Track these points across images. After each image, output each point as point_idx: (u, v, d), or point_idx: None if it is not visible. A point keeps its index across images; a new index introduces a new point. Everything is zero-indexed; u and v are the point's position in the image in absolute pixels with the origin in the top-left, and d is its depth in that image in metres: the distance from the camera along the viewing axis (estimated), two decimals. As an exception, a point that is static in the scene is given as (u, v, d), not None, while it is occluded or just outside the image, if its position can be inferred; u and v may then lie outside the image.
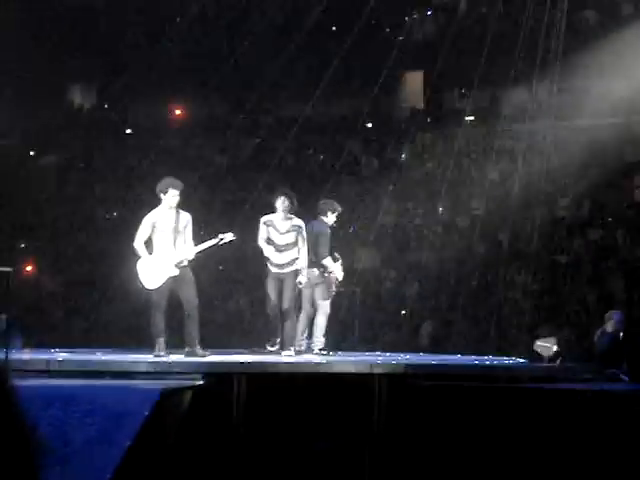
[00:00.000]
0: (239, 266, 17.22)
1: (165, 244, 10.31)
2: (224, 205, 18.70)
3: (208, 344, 10.81)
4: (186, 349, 10.34)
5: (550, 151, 17.90)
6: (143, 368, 9.18)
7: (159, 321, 10.27)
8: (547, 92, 17.89)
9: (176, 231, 10.36)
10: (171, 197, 10.38)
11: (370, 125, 20.90)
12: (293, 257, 11.26)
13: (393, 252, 18.50)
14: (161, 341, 10.26)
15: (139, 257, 10.25)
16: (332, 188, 18.28)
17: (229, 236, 10.78)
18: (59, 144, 19.27)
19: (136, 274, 10.26)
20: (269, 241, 11.25)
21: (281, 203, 11.31)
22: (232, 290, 17.67)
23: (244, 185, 18.45)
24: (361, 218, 18.74)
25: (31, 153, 19.70)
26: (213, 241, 10.67)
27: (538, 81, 18.00)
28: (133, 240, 10.20)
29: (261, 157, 19.76)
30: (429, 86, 20.64)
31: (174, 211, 10.40)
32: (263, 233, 11.30)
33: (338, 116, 20.85)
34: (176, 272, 10.26)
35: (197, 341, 10.32)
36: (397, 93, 21.68)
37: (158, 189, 10.49)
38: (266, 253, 11.25)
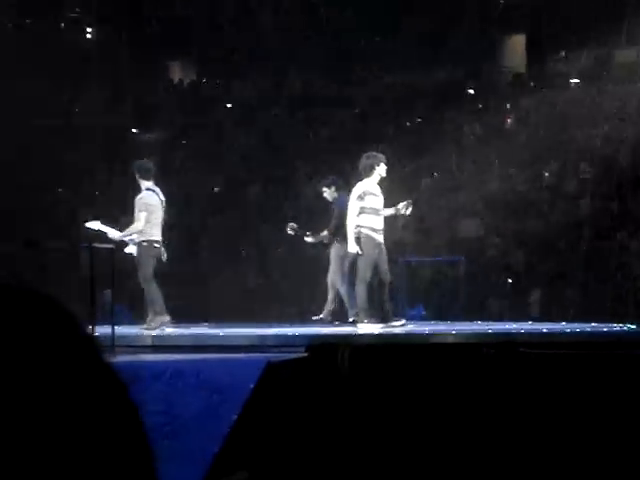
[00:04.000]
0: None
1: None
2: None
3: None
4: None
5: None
6: (248, 341, 9.21)
7: None
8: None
9: None
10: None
11: (472, 91, 20.60)
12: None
13: (497, 220, 18.23)
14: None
15: None
16: (434, 156, 18.10)
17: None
18: (161, 120, 19.46)
19: None
20: (371, 210, 11.09)
21: (384, 169, 11.18)
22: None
23: (347, 156, 18.36)
24: (463, 186, 18.52)
25: (134, 130, 19.94)
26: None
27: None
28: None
29: (361, 127, 19.64)
30: (532, 49, 20.25)
31: None
32: (369, 201, 11.10)
33: (439, 83, 20.58)
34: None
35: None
36: (499, 57, 21.32)
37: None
38: (369, 222, 11.07)
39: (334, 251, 12.15)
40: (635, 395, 8.30)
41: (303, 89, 21.12)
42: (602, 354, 9.02)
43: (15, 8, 16.92)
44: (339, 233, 11.88)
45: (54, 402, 0.81)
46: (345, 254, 11.75)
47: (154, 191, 11.18)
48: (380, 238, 11.08)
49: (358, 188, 11.11)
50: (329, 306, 12.16)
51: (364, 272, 10.95)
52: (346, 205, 11.64)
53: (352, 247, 10.98)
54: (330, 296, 12.19)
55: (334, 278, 12.13)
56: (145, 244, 10.87)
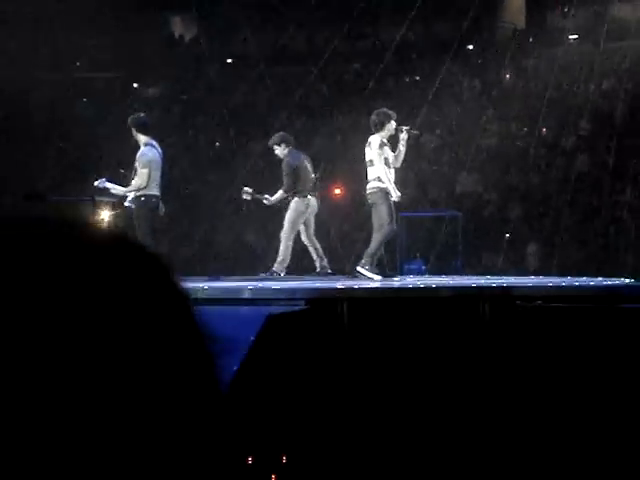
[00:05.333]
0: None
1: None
2: (329, 131, 18.74)
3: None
4: None
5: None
6: (249, 294, 9.36)
7: None
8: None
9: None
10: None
11: (471, 47, 20.62)
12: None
13: (496, 175, 18.35)
14: None
15: None
16: (433, 111, 18.14)
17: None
18: (161, 75, 19.49)
19: None
20: (387, 162, 11.25)
21: (393, 126, 11.31)
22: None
23: (347, 110, 18.43)
24: (462, 140, 18.61)
25: (135, 85, 19.96)
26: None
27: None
28: None
29: (361, 82, 19.67)
30: (531, 5, 20.25)
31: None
32: (387, 151, 11.29)
33: (438, 38, 20.60)
34: None
35: None
36: (499, 13, 21.31)
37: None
38: (389, 175, 11.23)
39: (295, 207, 12.23)
40: (633, 349, 8.40)
41: (302, 45, 21.15)
42: (599, 307, 9.12)
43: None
44: (296, 189, 12.06)
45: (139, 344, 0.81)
46: (306, 209, 12.02)
47: (153, 145, 11.29)
48: (394, 191, 11.25)
49: (375, 139, 11.21)
50: (321, 260, 12.33)
51: (383, 221, 11.13)
52: (301, 161, 11.94)
53: (395, 193, 11.13)
54: (316, 252, 12.34)
55: (309, 233, 12.29)
56: (143, 199, 11.01)
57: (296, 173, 12.05)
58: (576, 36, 19.69)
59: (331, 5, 18.58)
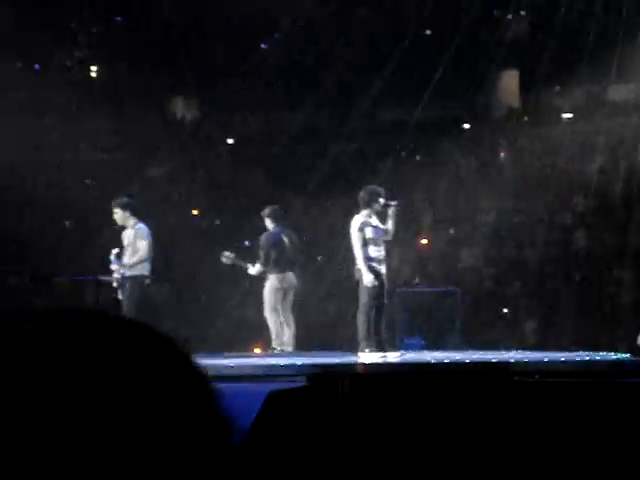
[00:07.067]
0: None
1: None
2: (326, 209, 18.96)
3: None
4: None
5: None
6: (250, 371, 9.45)
7: None
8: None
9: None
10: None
11: (467, 125, 20.99)
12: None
13: (493, 251, 18.56)
14: None
15: None
16: (429, 188, 18.41)
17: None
18: (164, 156, 19.76)
19: None
20: (370, 240, 11.40)
21: (381, 202, 11.52)
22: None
23: (343, 190, 18.67)
24: (460, 218, 18.86)
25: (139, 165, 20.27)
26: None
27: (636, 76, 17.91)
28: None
29: (359, 161, 19.97)
30: (525, 85, 20.64)
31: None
32: (368, 232, 11.44)
33: (435, 118, 20.96)
34: None
35: None
36: (493, 93, 21.69)
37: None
38: (369, 252, 11.39)
39: (269, 284, 12.52)
40: (629, 422, 8.47)
41: (302, 124, 21.48)
42: (596, 382, 9.22)
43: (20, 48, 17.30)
44: (268, 265, 12.35)
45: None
46: (281, 284, 12.26)
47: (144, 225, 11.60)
48: (380, 268, 11.38)
49: (357, 220, 11.40)
50: (277, 338, 12.56)
51: (365, 302, 11.23)
52: (278, 238, 12.26)
53: (367, 278, 11.23)
54: (277, 326, 12.56)
55: (284, 308, 12.52)
56: (138, 274, 11.24)
57: (268, 250, 12.38)
58: (570, 115, 20.05)
59: (331, 86, 18.96)
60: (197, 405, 0.88)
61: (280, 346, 12.31)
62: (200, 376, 0.91)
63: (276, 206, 13.16)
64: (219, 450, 0.89)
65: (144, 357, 0.85)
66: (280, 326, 12.40)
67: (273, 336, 12.39)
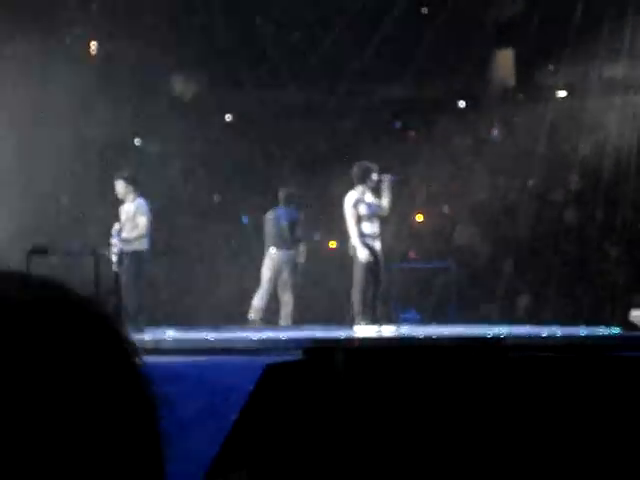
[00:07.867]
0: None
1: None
2: (324, 185, 19.09)
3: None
4: None
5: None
6: (247, 344, 9.57)
7: None
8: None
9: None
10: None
11: (463, 104, 21.11)
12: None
13: (488, 227, 18.75)
14: None
15: None
16: (425, 166, 18.57)
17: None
18: (162, 132, 19.84)
19: None
20: (364, 216, 11.54)
21: (375, 178, 11.71)
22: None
23: (340, 167, 18.80)
24: (455, 195, 19.04)
25: (136, 141, 20.35)
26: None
27: (630, 54, 18.03)
28: None
29: (356, 138, 20.08)
30: (520, 63, 20.74)
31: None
32: (362, 209, 11.60)
33: (430, 96, 21.06)
34: None
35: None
36: (489, 72, 21.78)
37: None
38: (363, 228, 11.55)
39: (264, 261, 13.19)
40: (621, 396, 8.61)
41: (300, 102, 21.57)
42: (589, 357, 9.35)
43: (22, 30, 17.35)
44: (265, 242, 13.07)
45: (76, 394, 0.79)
46: (270, 262, 12.82)
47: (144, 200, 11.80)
48: (375, 244, 11.53)
49: (350, 196, 11.53)
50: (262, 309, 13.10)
51: (360, 278, 11.40)
52: (271, 217, 12.83)
53: (361, 254, 11.41)
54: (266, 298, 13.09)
55: (279, 284, 13.03)
56: (137, 248, 11.44)
57: (264, 228, 13.05)
58: (565, 93, 20.17)
59: (325, 65, 19.05)
60: (117, 383, 0.82)
61: (255, 315, 12.93)
62: (126, 352, 0.85)
63: (290, 188, 13.64)
64: (139, 430, 0.85)
65: (59, 329, 0.80)
66: (262, 300, 12.93)
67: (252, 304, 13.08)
